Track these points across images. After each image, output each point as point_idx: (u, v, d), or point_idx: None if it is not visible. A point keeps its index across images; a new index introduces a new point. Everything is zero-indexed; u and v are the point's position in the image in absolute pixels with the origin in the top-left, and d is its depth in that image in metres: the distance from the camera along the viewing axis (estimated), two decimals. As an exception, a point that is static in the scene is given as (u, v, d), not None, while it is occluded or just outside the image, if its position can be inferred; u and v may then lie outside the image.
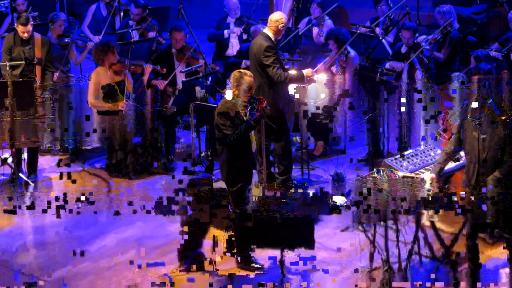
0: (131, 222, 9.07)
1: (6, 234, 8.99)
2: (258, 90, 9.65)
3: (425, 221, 8.24)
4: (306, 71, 10.11)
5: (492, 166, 8.35)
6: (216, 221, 8.39)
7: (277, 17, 9.93)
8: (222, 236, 8.40)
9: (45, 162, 11.06)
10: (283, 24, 9.91)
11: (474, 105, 8.40)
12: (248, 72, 8.54)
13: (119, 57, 10.60)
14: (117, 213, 8.87)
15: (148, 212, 8.37)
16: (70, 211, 9.09)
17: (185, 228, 8.18)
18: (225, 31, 12.61)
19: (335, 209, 9.24)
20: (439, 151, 9.58)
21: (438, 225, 8.44)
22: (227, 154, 8.36)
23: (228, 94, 8.40)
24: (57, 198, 8.86)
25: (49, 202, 9.42)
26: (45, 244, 8.76)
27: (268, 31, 9.90)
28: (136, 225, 9.05)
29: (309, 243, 7.60)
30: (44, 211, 8.52)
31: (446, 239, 8.42)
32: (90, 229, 9.04)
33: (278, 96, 9.93)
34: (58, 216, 8.43)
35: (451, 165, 9.14)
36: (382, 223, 7.99)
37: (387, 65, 11.18)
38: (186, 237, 8.13)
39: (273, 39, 9.88)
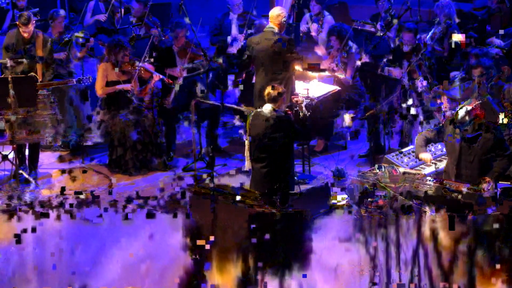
0: (133, 230, 8.44)
1: (2, 246, 8.34)
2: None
3: (426, 229, 8.02)
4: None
5: (479, 170, 8.34)
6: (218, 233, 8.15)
7: (278, 12, 10.07)
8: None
9: (46, 158, 11.04)
10: (285, 18, 10.06)
11: (461, 113, 8.38)
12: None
13: (131, 56, 10.62)
14: (116, 211, 8.61)
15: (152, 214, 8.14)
16: (70, 212, 8.87)
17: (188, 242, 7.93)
18: (228, 38, 12.56)
19: (336, 206, 9.25)
20: (439, 147, 9.59)
21: (439, 237, 8.15)
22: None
23: (267, 108, 8.65)
24: (60, 203, 8.76)
25: (49, 200, 9.36)
26: (43, 272, 8.07)
27: (273, 26, 9.96)
28: (140, 235, 8.42)
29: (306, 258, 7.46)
30: (43, 214, 8.29)
31: (445, 263, 7.79)
32: (90, 243, 8.36)
33: (288, 90, 10.00)
34: (58, 217, 8.22)
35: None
36: (382, 230, 7.83)
37: (385, 70, 11.18)
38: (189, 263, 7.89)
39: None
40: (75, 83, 10.88)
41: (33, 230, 8.09)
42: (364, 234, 7.77)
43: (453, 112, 9.29)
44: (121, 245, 8.33)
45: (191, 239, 7.96)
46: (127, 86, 10.50)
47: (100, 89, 10.55)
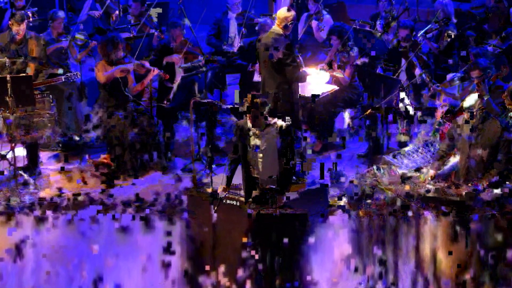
0: (129, 250, 8.12)
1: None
2: (279, 88, 9.75)
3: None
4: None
5: (487, 162, 8.38)
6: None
7: (285, 14, 9.91)
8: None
9: (44, 158, 11.01)
10: (292, 20, 9.91)
11: (470, 99, 8.47)
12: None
13: (124, 53, 10.58)
14: (113, 217, 8.47)
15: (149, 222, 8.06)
16: (65, 216, 8.72)
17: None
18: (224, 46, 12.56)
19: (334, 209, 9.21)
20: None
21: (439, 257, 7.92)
22: None
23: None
24: (58, 206, 8.74)
25: (47, 203, 9.32)
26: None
27: (277, 28, 9.89)
28: (136, 252, 8.11)
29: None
30: (41, 219, 8.17)
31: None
32: (85, 262, 8.01)
33: (296, 94, 9.98)
34: (55, 219, 8.15)
35: (449, 163, 9.15)
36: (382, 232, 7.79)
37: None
38: None
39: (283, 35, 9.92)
40: (63, 80, 10.85)
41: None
42: (362, 237, 7.75)
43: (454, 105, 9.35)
44: (115, 267, 7.96)
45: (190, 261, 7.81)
46: (130, 67, 10.43)
47: (102, 77, 10.38)
